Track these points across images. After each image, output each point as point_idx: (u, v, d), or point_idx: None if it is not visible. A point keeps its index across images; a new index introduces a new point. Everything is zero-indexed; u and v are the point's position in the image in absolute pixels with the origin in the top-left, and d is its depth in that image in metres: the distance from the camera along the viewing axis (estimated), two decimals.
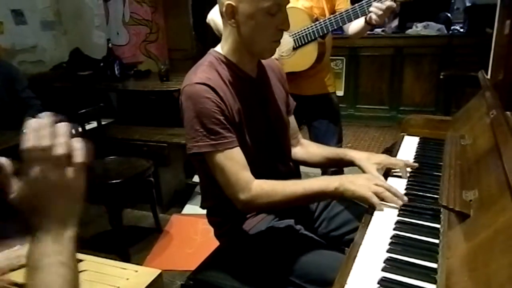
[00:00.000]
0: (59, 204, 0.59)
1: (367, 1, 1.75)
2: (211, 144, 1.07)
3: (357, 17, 1.79)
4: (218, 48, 1.21)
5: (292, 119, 1.41)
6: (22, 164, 0.57)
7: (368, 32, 4.43)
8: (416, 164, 1.29)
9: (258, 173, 1.13)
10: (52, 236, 0.57)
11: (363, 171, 1.25)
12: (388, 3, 1.67)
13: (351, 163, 1.32)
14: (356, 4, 1.77)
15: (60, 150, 0.58)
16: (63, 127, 0.60)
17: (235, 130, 1.12)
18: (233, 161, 1.09)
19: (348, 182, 1.07)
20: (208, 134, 1.07)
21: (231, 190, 1.10)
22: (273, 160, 1.27)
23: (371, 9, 1.70)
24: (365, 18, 1.80)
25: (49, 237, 0.57)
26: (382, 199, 1.04)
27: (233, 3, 1.08)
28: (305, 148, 1.44)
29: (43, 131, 0.57)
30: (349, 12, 1.79)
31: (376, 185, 1.05)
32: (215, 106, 1.07)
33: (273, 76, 1.32)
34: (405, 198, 1.05)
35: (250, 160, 1.13)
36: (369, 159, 1.27)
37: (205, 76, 1.11)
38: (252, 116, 1.19)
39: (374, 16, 1.72)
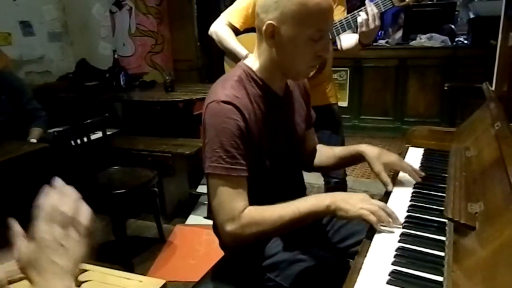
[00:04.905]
0: (58, 264, 0.62)
1: (352, 15, 1.74)
2: (225, 167, 1.04)
3: (344, 30, 1.78)
4: (249, 62, 1.18)
5: (312, 131, 1.41)
6: (35, 221, 0.63)
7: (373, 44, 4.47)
8: (423, 173, 1.27)
9: (269, 192, 1.12)
10: None
11: (371, 167, 1.24)
12: (374, 9, 1.65)
13: (362, 158, 1.29)
14: (349, 15, 1.76)
15: (71, 212, 0.65)
16: (73, 192, 0.68)
17: (254, 149, 1.09)
18: (236, 189, 1.05)
19: (340, 200, 1.03)
20: (225, 157, 1.04)
21: (221, 217, 1.06)
22: (286, 178, 1.26)
23: (359, 17, 1.67)
24: (359, 37, 1.78)
25: None
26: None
27: (275, 23, 1.04)
28: (318, 153, 1.43)
29: (64, 197, 0.66)
30: (342, 22, 1.77)
31: (371, 204, 1.01)
32: (237, 129, 1.05)
33: (297, 92, 1.30)
34: (400, 220, 1.02)
35: (264, 178, 1.12)
36: (379, 157, 1.24)
37: (232, 94, 1.07)
38: (274, 134, 1.17)
39: (363, 28, 1.68)
